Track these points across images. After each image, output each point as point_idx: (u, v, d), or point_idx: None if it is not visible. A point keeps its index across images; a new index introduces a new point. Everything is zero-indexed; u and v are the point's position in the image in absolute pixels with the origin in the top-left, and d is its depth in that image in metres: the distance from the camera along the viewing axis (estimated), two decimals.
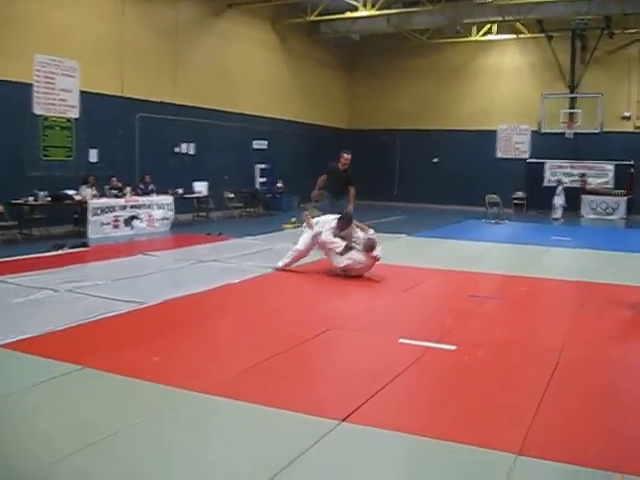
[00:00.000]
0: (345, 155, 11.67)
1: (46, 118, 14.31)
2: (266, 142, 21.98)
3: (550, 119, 23.31)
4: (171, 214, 15.79)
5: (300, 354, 5.72)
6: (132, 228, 14.57)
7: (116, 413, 4.26)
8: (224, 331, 6.60)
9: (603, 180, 23.74)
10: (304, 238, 9.91)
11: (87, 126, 15.12)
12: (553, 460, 3.69)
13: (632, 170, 23.10)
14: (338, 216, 9.84)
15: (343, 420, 4.17)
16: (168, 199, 15.84)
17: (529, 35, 23.64)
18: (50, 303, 7.32)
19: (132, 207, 14.68)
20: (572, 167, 24.16)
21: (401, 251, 12.40)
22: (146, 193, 15.66)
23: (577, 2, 19.60)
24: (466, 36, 24.28)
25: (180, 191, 16.99)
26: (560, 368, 5.35)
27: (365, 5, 20.81)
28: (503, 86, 25.09)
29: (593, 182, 23.80)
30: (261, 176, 21.69)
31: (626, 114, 23.26)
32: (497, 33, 24.15)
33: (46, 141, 14.33)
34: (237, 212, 19.64)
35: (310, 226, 9.85)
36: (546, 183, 24.10)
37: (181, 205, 16.76)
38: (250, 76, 20.97)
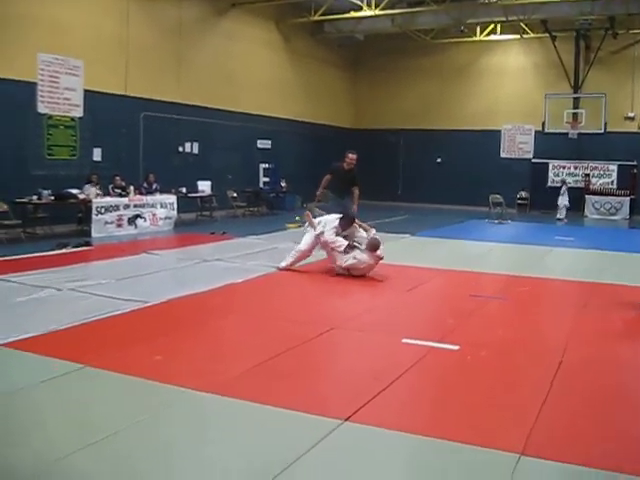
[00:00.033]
0: (350, 155, 11.64)
1: (50, 117, 14.34)
2: (270, 142, 21.99)
3: (554, 119, 23.28)
4: (174, 213, 15.80)
5: (303, 354, 5.72)
6: (136, 227, 14.58)
7: (118, 412, 4.27)
8: (228, 330, 6.60)
9: (607, 180, 23.71)
10: (306, 238, 9.93)
11: (91, 125, 15.14)
12: (556, 460, 3.69)
13: (635, 170, 23.09)
14: (340, 216, 9.86)
15: (346, 420, 4.17)
16: (171, 198, 15.85)
17: (533, 35, 23.61)
18: (53, 302, 7.33)
19: (136, 206, 14.69)
20: (576, 167, 24.13)
21: (404, 251, 12.40)
22: (150, 192, 15.67)
23: (581, 2, 19.57)
24: (470, 36, 24.24)
25: (184, 190, 17.00)
26: (563, 368, 5.35)
27: (369, 5, 20.80)
28: (507, 86, 25.06)
29: (597, 182, 23.78)
30: (265, 175, 21.70)
31: (630, 114, 23.21)
32: (501, 33, 24.09)
33: (50, 140, 14.36)
34: (240, 211, 19.64)
35: (312, 226, 9.86)
36: (550, 183, 24.10)
37: (185, 204, 16.76)
38: (254, 76, 20.97)
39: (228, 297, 8.05)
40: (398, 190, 26.88)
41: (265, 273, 9.59)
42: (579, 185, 23.59)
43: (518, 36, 24.03)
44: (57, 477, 3.48)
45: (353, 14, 21.44)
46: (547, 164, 24.51)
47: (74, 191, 13.81)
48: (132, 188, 15.02)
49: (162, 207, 15.46)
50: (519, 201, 24.54)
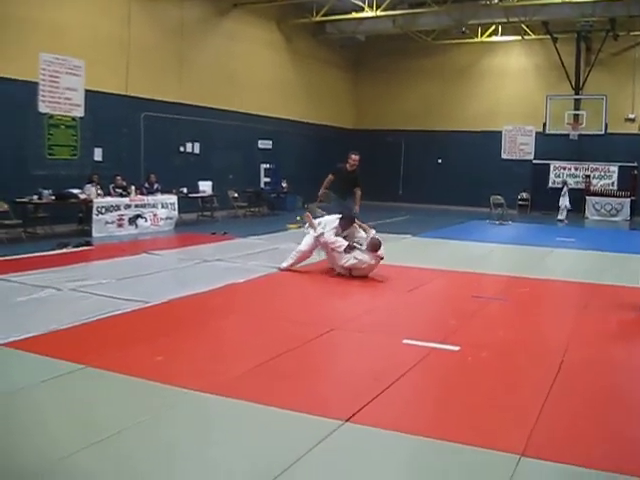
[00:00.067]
0: (353, 156, 11.67)
1: (51, 117, 14.35)
2: (271, 142, 21.99)
3: (555, 120, 23.28)
4: (175, 213, 15.80)
5: (304, 354, 5.73)
6: (136, 227, 14.57)
7: (120, 412, 4.27)
8: (228, 331, 6.60)
9: (607, 182, 23.71)
10: (307, 239, 9.94)
11: (92, 125, 15.14)
12: (557, 461, 3.69)
13: (636, 172, 23.07)
14: (340, 216, 9.87)
15: (347, 420, 4.17)
16: (172, 198, 15.85)
17: (534, 37, 23.59)
18: (54, 302, 7.33)
19: (136, 206, 14.68)
20: (576, 168, 24.13)
21: (405, 252, 12.40)
22: (151, 192, 15.67)
23: (582, 4, 19.55)
24: (472, 37, 24.25)
25: (185, 190, 17.01)
26: (564, 369, 5.35)
27: (371, 6, 20.80)
28: (508, 87, 25.06)
29: (597, 183, 23.78)
30: (266, 176, 21.69)
31: (630, 116, 23.20)
32: (502, 34, 24.09)
33: (51, 140, 14.36)
34: (241, 212, 19.63)
35: (312, 227, 9.87)
36: (550, 184, 24.10)
37: (186, 204, 16.76)
38: (255, 76, 20.97)
39: (229, 297, 8.06)
40: (399, 191, 26.88)
41: (266, 273, 9.60)
42: (580, 186, 23.58)
43: (519, 37, 24.02)
44: (61, 476, 3.48)
45: (355, 15, 21.44)
46: (548, 165, 24.50)
47: (75, 191, 13.81)
48: (133, 188, 15.01)
49: (163, 207, 15.45)
50: (520, 202, 24.54)
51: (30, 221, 13.29)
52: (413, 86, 26.38)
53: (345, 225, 9.77)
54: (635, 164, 23.02)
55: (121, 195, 14.74)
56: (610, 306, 8.02)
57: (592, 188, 23.63)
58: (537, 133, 24.52)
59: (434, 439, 3.96)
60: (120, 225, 14.18)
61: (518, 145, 25.23)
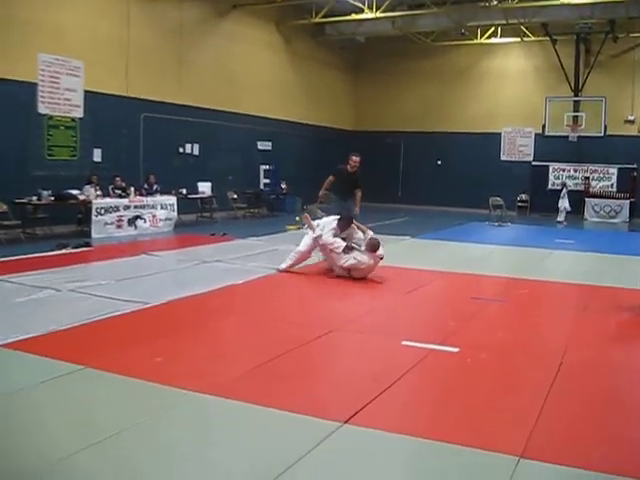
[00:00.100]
0: (354, 157, 11.70)
1: (51, 117, 14.34)
2: (270, 143, 21.98)
3: (554, 122, 23.30)
4: (174, 214, 15.79)
5: (303, 356, 5.72)
6: (135, 228, 14.58)
7: (120, 413, 4.27)
8: (228, 332, 6.60)
9: (607, 183, 23.72)
10: (305, 240, 9.97)
11: (91, 126, 15.14)
12: (556, 463, 3.69)
13: (635, 173, 23.08)
14: (338, 217, 9.89)
15: (345, 422, 4.17)
16: (172, 199, 15.85)
17: (534, 38, 23.61)
18: (53, 303, 7.33)
19: (136, 207, 14.69)
20: (575, 170, 24.15)
21: (404, 253, 12.41)
22: (150, 193, 15.67)
23: (582, 6, 19.55)
24: (471, 39, 24.27)
25: (184, 191, 17.01)
26: (563, 371, 5.35)
27: (370, 7, 20.80)
28: (507, 89, 25.07)
29: (596, 185, 23.79)
30: (265, 177, 21.71)
31: (630, 117, 23.22)
32: (502, 36, 24.12)
33: (50, 140, 14.35)
34: (241, 213, 19.63)
35: (311, 228, 9.88)
36: (550, 186, 24.11)
37: (185, 205, 16.77)
38: (255, 77, 20.98)
39: (228, 298, 8.06)
40: (398, 192, 26.88)
41: (265, 275, 9.60)
42: (579, 188, 23.59)
43: (519, 39, 24.04)
44: (60, 477, 3.48)
45: (354, 16, 21.44)
46: (547, 167, 24.51)
47: (74, 192, 13.80)
48: (132, 189, 15.01)
49: (162, 208, 15.46)
50: (519, 204, 24.55)
51: (29, 222, 13.29)
52: (412, 87, 26.39)
53: (343, 226, 9.80)
54: (634, 166, 23.02)
55: (120, 196, 14.74)
56: (609, 308, 8.02)
57: (591, 190, 23.64)
58: (536, 135, 24.53)
59: (433, 440, 3.96)
60: (119, 226, 14.18)
61: (517, 147, 25.25)
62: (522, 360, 5.74)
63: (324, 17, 21.64)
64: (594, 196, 23.44)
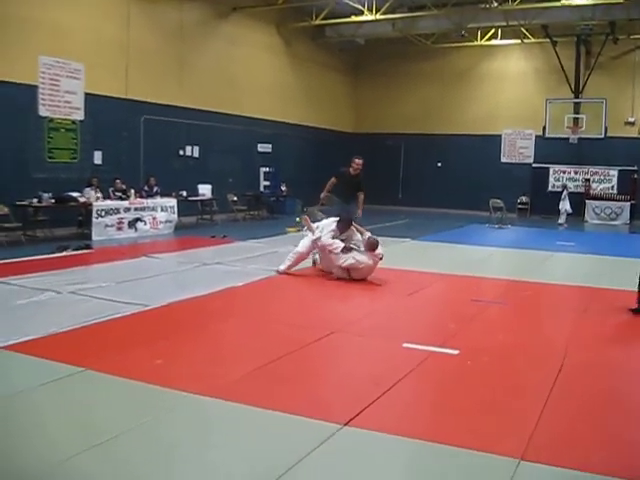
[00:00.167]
0: (357, 160, 11.75)
1: (51, 120, 14.35)
2: (270, 145, 21.99)
3: (554, 124, 23.29)
4: (174, 217, 15.80)
5: (303, 358, 5.72)
6: (136, 230, 14.58)
7: (120, 415, 4.27)
8: (228, 334, 6.59)
9: (607, 185, 23.71)
10: (304, 241, 10.01)
11: (92, 128, 15.15)
12: (556, 465, 3.68)
13: (636, 175, 23.08)
14: (337, 219, 9.91)
15: (345, 424, 4.17)
16: (172, 201, 15.85)
17: (534, 40, 23.60)
18: (53, 305, 7.33)
19: (136, 209, 14.69)
20: (576, 172, 24.14)
21: (405, 255, 12.41)
22: (150, 195, 15.67)
23: (582, 8, 19.56)
24: (471, 41, 24.26)
25: (184, 194, 17.01)
26: (563, 373, 5.35)
27: (370, 9, 20.82)
28: (508, 91, 25.07)
29: (597, 187, 23.78)
30: (265, 179, 21.72)
31: (630, 119, 23.21)
32: (502, 38, 24.10)
33: (51, 143, 14.36)
34: (241, 215, 19.62)
35: (310, 230, 9.90)
36: (550, 188, 24.10)
37: (185, 208, 16.77)
38: (255, 79, 20.99)
39: (228, 301, 8.06)
40: (399, 194, 26.87)
41: (265, 277, 9.60)
42: (579, 190, 23.58)
43: (519, 41, 24.03)
44: (60, 479, 3.48)
45: (354, 18, 21.47)
46: (548, 169, 24.49)
47: (75, 194, 13.81)
48: (133, 191, 15.01)
49: (162, 210, 15.47)
50: (519, 206, 24.52)
51: (30, 224, 13.28)
52: (413, 90, 26.39)
53: (343, 228, 9.83)
54: (635, 168, 23.01)
55: (121, 198, 14.74)
56: (609, 310, 8.02)
57: (592, 192, 23.61)
58: (537, 137, 24.52)
59: (433, 443, 3.96)
60: (120, 228, 14.18)
61: (518, 149, 25.25)
62: (522, 362, 5.73)
63: (324, 19, 21.66)
64: (595, 198, 23.43)
